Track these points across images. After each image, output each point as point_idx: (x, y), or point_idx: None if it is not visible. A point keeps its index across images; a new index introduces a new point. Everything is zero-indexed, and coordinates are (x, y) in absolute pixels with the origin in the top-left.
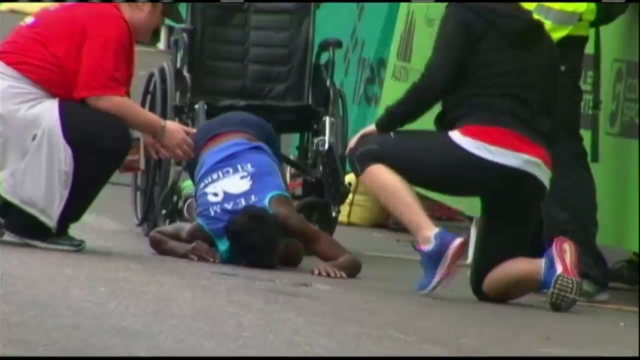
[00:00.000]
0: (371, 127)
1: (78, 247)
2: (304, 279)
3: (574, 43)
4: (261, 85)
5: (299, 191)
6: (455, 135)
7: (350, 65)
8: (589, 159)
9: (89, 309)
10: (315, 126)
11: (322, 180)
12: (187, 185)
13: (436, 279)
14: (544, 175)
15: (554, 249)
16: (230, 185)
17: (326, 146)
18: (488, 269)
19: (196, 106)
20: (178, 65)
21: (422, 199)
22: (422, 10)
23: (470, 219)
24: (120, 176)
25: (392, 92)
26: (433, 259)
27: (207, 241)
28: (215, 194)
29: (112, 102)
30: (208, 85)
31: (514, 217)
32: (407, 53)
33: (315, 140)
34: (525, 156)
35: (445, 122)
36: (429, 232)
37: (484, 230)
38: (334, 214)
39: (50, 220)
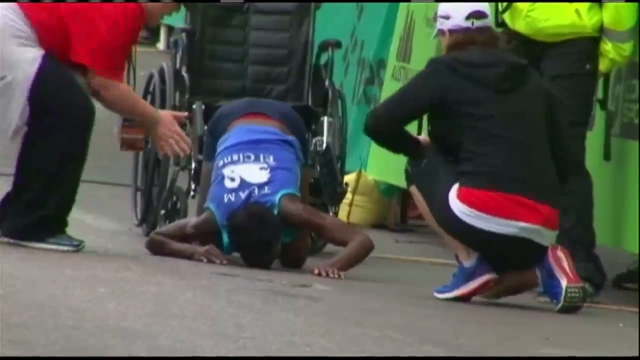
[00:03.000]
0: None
1: (77, 247)
2: (304, 280)
3: (595, 44)
4: (261, 86)
5: None
6: (452, 197)
7: (350, 66)
8: (601, 157)
9: (88, 309)
10: (313, 127)
11: (320, 180)
12: None
13: (456, 293)
14: (544, 239)
15: (550, 259)
16: (248, 173)
17: (324, 146)
18: None
19: (194, 106)
20: (177, 65)
21: None
22: (422, 11)
23: None
24: (119, 177)
25: (391, 92)
26: (466, 276)
27: (213, 234)
28: (232, 179)
29: (119, 89)
30: (208, 85)
31: (511, 265)
32: (407, 53)
33: (314, 141)
34: (522, 224)
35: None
36: (469, 254)
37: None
38: (331, 214)
39: None
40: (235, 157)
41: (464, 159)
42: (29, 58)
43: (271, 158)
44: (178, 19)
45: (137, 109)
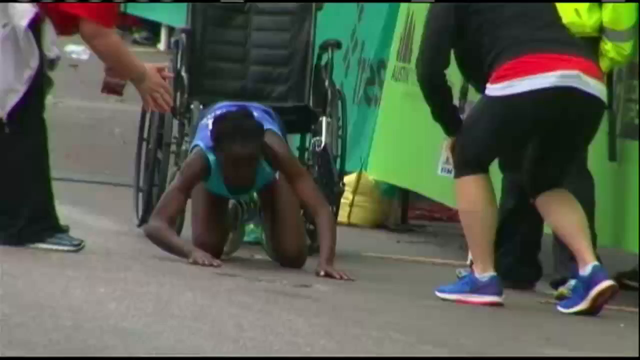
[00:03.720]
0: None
1: (77, 247)
2: (305, 280)
3: (595, 44)
4: (262, 86)
5: None
6: (487, 90)
7: (350, 66)
8: (601, 157)
9: (89, 309)
10: (313, 127)
11: (318, 180)
12: (250, 229)
13: (457, 297)
14: (587, 86)
15: (595, 289)
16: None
17: (322, 146)
18: (544, 180)
19: (192, 106)
20: (178, 66)
21: (422, 199)
22: (422, 11)
23: None
24: (120, 177)
25: (392, 92)
26: (473, 286)
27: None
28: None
29: (111, 38)
30: (208, 86)
31: (568, 142)
32: (407, 54)
33: (312, 141)
34: (558, 72)
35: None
36: (487, 269)
37: (536, 151)
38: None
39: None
40: (219, 112)
41: (487, 51)
42: (18, 11)
43: (254, 110)
44: (179, 19)
45: (127, 61)
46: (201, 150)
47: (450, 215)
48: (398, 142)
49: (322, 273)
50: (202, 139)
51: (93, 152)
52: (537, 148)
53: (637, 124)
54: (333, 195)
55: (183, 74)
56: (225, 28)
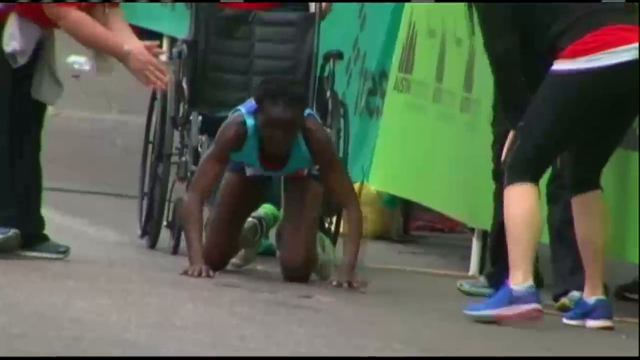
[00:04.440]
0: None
1: (64, 253)
2: (306, 291)
3: None
4: None
5: None
6: (558, 65)
7: (352, 77)
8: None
9: (90, 320)
10: None
11: None
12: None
13: (493, 313)
14: None
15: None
16: None
17: None
18: (585, 173)
19: (191, 117)
20: (180, 76)
21: (424, 210)
22: (424, 22)
23: (472, 230)
24: (122, 188)
25: (394, 103)
26: (510, 299)
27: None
28: None
29: (71, 17)
30: (211, 96)
31: (621, 123)
32: (409, 64)
33: None
34: (635, 44)
35: (546, 47)
36: (526, 278)
37: (588, 137)
38: (326, 225)
39: None
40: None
41: (545, 29)
42: None
43: None
44: (180, 29)
45: (100, 38)
46: (240, 114)
47: (451, 226)
48: (400, 153)
49: (344, 285)
50: (244, 105)
51: (94, 163)
52: (589, 134)
53: (638, 135)
54: (334, 206)
55: (184, 84)
56: (229, 39)
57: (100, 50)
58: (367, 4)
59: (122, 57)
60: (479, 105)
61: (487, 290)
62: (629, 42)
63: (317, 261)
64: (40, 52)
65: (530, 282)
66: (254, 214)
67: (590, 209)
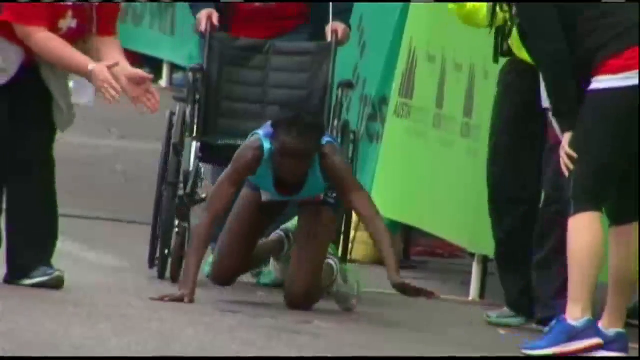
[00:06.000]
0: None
1: (54, 276)
2: (306, 317)
3: None
4: None
5: None
6: (595, 83)
7: (352, 103)
8: None
9: (90, 346)
10: None
11: None
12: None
13: (552, 350)
14: None
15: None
16: None
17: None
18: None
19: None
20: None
21: (425, 235)
22: (424, 47)
23: (472, 255)
24: (121, 213)
25: (394, 129)
26: (569, 334)
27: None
28: None
29: (37, 37)
30: (224, 126)
31: None
32: (409, 90)
33: None
34: None
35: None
36: (586, 312)
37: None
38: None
39: None
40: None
41: (580, 39)
42: None
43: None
44: (180, 56)
45: (64, 57)
46: (258, 137)
47: (452, 252)
48: (400, 178)
49: (399, 283)
50: (262, 128)
51: (94, 189)
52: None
53: None
54: (337, 232)
55: (188, 112)
56: (242, 68)
57: (67, 70)
58: (366, 33)
59: (87, 76)
60: (479, 131)
61: (514, 321)
62: None
63: (320, 290)
64: (42, 77)
65: (588, 315)
66: (282, 226)
67: (629, 241)
